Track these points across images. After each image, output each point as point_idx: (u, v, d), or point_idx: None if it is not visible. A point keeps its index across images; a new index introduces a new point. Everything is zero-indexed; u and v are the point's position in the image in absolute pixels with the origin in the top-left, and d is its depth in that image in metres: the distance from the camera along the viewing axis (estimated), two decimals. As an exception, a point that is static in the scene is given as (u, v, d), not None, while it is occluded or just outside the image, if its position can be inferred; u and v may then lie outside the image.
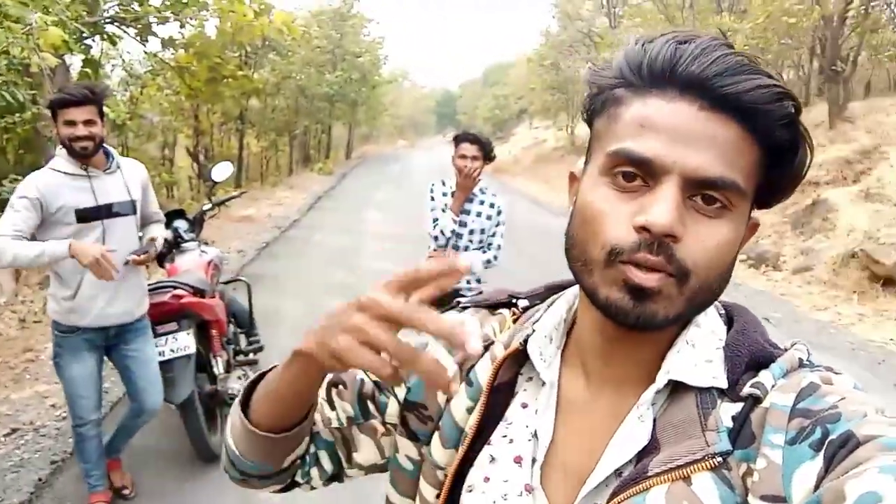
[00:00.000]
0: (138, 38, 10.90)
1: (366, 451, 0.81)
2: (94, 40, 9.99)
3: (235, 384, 3.61)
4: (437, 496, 0.73)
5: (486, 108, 44.60)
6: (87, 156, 2.76)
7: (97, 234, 2.79)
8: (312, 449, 0.82)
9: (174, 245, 3.68)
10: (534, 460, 0.68)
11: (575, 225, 0.63)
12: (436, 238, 3.46)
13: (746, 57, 0.58)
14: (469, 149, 3.40)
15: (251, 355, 4.09)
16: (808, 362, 0.63)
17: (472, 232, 3.49)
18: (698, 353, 0.63)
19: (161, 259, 3.56)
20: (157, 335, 3.16)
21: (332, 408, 0.82)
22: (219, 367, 3.59)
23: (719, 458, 0.57)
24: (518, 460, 0.68)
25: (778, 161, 0.61)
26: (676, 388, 0.62)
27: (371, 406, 0.80)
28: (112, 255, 2.61)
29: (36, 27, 6.30)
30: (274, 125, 19.10)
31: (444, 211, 3.45)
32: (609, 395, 0.67)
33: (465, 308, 0.82)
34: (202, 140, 16.77)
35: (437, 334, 0.55)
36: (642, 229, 0.57)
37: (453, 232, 3.43)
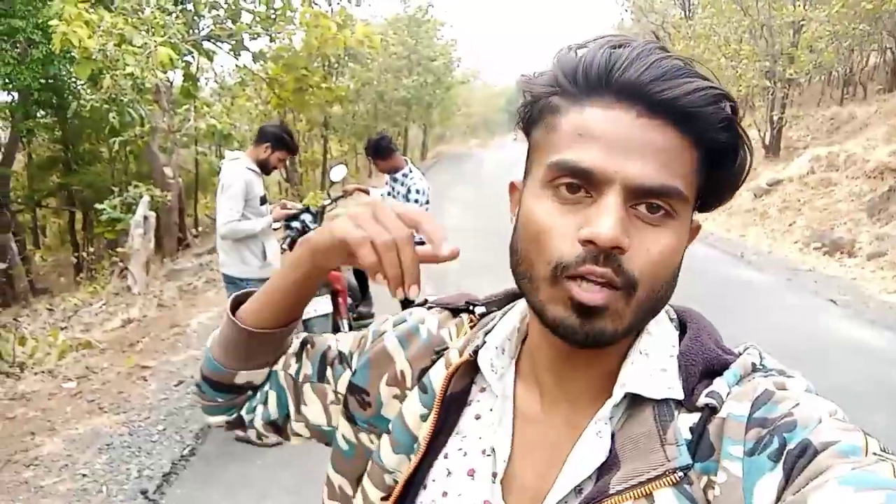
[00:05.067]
0: (232, 52, 11.88)
1: (313, 410, 0.83)
2: (192, 56, 10.98)
3: None
4: (383, 499, 0.73)
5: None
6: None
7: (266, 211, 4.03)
8: (266, 387, 0.84)
9: (302, 233, 4.50)
10: (494, 475, 0.66)
11: (519, 240, 0.62)
12: None
13: (682, 60, 0.58)
14: None
15: (366, 321, 4.94)
16: (760, 366, 0.63)
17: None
18: (652, 363, 0.62)
19: (293, 246, 4.44)
20: None
21: (298, 360, 0.84)
22: (344, 328, 4.47)
23: (680, 473, 0.56)
24: (471, 473, 0.67)
25: (718, 164, 0.60)
26: (633, 401, 0.61)
27: (328, 371, 0.82)
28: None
29: (153, 50, 7.17)
30: (354, 130, 20.00)
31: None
32: (565, 409, 0.66)
33: (430, 307, 0.83)
34: (288, 146, 17.77)
35: (427, 231, 0.66)
36: (587, 242, 0.55)
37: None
